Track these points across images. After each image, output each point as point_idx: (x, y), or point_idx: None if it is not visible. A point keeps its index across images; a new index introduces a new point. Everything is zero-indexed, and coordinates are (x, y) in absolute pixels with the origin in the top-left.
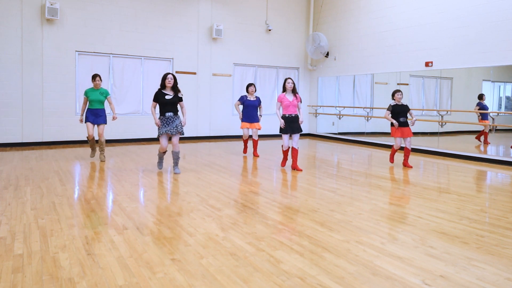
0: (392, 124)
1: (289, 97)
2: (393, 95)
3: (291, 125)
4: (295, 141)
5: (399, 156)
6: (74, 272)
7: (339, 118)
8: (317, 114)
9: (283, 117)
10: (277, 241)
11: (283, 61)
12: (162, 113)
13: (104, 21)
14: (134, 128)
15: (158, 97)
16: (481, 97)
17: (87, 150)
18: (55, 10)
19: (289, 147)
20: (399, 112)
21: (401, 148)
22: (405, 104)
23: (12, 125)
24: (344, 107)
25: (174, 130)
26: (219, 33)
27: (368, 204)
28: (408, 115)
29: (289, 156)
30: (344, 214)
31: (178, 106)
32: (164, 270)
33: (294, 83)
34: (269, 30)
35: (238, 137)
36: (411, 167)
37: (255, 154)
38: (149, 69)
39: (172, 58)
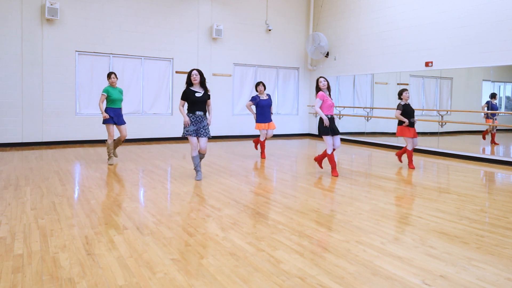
0: (401, 123)
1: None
2: (401, 94)
3: (332, 126)
4: (339, 142)
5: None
6: (74, 272)
7: (339, 118)
8: (317, 114)
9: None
10: (277, 241)
11: (283, 61)
12: (192, 111)
13: (104, 21)
14: (134, 128)
15: (188, 95)
16: (493, 96)
17: (87, 150)
18: (55, 10)
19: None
20: (409, 112)
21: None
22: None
23: (12, 125)
24: (344, 107)
25: (204, 132)
26: (219, 33)
27: (368, 204)
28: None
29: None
30: (344, 214)
31: None
32: (164, 270)
33: (328, 81)
34: (269, 30)
35: (238, 137)
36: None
37: (263, 156)
38: (149, 69)
39: (172, 58)
